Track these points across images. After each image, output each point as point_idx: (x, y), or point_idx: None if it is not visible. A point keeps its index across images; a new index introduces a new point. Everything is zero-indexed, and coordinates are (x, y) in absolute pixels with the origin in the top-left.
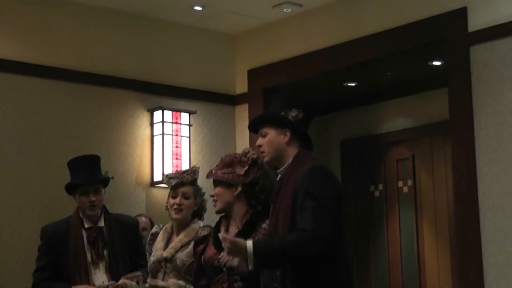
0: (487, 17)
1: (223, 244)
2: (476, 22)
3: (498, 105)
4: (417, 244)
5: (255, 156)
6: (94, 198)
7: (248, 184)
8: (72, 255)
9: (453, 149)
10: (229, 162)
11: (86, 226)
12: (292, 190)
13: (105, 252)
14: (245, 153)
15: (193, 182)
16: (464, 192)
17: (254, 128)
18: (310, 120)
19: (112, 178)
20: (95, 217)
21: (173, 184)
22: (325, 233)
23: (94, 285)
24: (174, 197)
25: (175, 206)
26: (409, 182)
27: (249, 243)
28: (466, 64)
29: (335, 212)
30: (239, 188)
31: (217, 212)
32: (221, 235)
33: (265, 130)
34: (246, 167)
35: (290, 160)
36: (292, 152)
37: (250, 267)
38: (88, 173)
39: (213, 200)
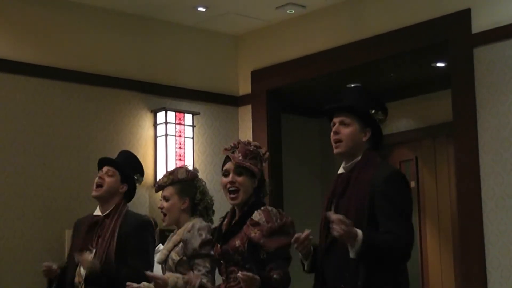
0: (491, 18)
1: (334, 224)
2: (480, 23)
3: (502, 106)
4: (420, 245)
5: (268, 154)
6: (101, 177)
7: (260, 179)
8: (73, 241)
9: (456, 150)
10: (255, 154)
11: (95, 213)
12: (367, 191)
13: (99, 241)
14: (258, 147)
15: (173, 182)
16: (467, 194)
17: (331, 112)
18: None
19: (137, 180)
20: (106, 204)
21: (156, 190)
22: (412, 241)
23: (79, 270)
24: (161, 201)
25: (160, 210)
26: (412, 183)
27: (360, 231)
28: (469, 65)
29: (412, 221)
30: (256, 183)
31: (239, 204)
32: (332, 214)
33: (350, 120)
34: (263, 164)
35: (358, 158)
36: (362, 150)
37: (352, 255)
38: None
39: (234, 188)
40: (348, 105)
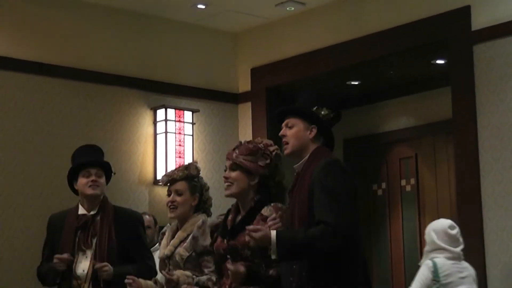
0: (490, 15)
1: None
2: (479, 20)
3: (501, 104)
4: (419, 242)
5: (278, 151)
6: (95, 178)
7: (265, 177)
8: (61, 241)
9: (455, 148)
10: (254, 151)
11: (79, 213)
12: (308, 184)
13: (94, 240)
14: (267, 145)
15: (187, 177)
16: (467, 191)
17: (281, 117)
18: (337, 121)
19: (114, 173)
20: (94, 202)
21: (164, 182)
22: (345, 228)
23: (75, 272)
24: (168, 195)
25: (169, 204)
26: (412, 181)
27: (273, 233)
28: (469, 63)
29: (352, 207)
30: (257, 179)
31: (229, 196)
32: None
33: (293, 121)
34: (268, 161)
35: (307, 156)
36: (312, 149)
37: (273, 256)
38: (91, 157)
39: (228, 183)
40: (286, 108)
